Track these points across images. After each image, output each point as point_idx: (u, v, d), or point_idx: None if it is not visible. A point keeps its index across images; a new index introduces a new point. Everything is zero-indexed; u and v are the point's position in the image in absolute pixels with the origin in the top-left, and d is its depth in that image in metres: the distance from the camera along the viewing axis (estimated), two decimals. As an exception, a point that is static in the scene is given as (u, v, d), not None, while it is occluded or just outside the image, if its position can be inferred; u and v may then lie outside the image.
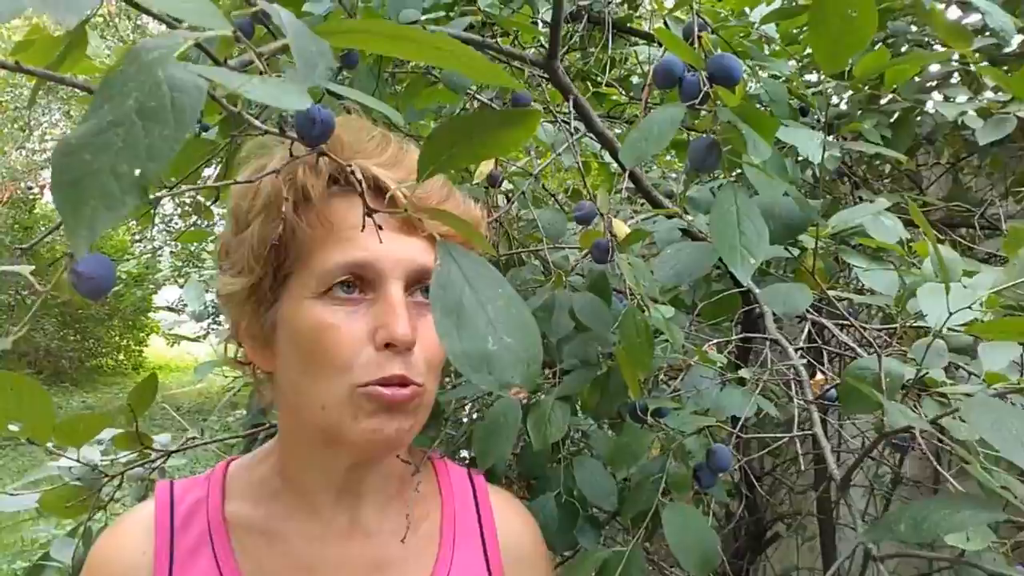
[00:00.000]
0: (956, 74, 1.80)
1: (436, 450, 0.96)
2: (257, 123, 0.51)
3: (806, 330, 1.41)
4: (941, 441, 0.77)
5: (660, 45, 1.69)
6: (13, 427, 0.96)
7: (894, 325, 1.36)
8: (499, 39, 1.52)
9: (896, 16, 1.73)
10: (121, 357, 11.54)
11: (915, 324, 0.99)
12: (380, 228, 0.64)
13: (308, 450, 0.79)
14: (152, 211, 1.74)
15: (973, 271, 0.88)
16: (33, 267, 0.50)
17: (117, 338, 11.25)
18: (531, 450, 1.19)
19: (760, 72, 1.47)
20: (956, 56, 1.75)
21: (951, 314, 0.76)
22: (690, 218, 1.23)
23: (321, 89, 1.01)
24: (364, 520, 0.82)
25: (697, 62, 0.80)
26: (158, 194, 0.67)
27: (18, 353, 9.10)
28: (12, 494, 1.19)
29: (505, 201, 1.49)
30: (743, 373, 1.23)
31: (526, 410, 1.08)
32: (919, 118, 1.83)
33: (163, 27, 0.59)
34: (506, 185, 1.60)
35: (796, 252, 1.24)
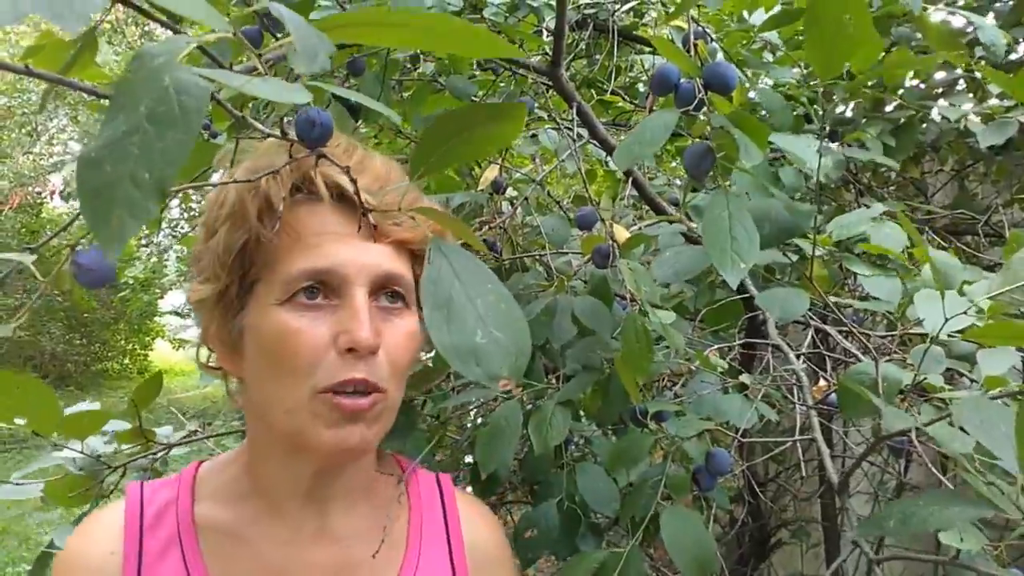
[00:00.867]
0: (961, 81, 1.81)
1: (403, 455, 0.97)
2: (260, 126, 0.52)
3: (809, 337, 1.42)
4: (940, 445, 0.77)
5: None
6: (20, 420, 0.97)
7: (896, 332, 1.37)
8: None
9: (900, 22, 1.74)
10: (126, 361, 11.56)
11: (914, 331, 1.00)
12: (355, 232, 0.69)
13: (275, 455, 0.80)
14: (160, 215, 1.75)
15: (973, 280, 0.88)
16: (35, 257, 0.51)
17: (123, 342, 11.28)
18: (533, 456, 1.19)
19: (759, 81, 1.48)
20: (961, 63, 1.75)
21: (947, 320, 0.77)
22: (693, 224, 1.24)
23: (327, 95, 1.02)
24: (331, 524, 0.83)
25: (692, 70, 0.81)
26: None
27: (24, 357, 9.14)
28: (17, 483, 1.20)
29: (509, 207, 1.49)
30: (744, 379, 1.24)
31: (528, 415, 1.08)
32: (924, 125, 1.83)
33: (171, 33, 0.60)
34: (510, 192, 1.61)
35: (797, 258, 1.24)
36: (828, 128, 1.85)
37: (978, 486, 0.65)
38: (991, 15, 1.78)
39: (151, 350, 12.05)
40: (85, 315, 9.87)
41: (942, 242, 1.85)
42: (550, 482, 1.16)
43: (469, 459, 1.58)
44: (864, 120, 1.80)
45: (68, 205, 9.50)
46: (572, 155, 1.18)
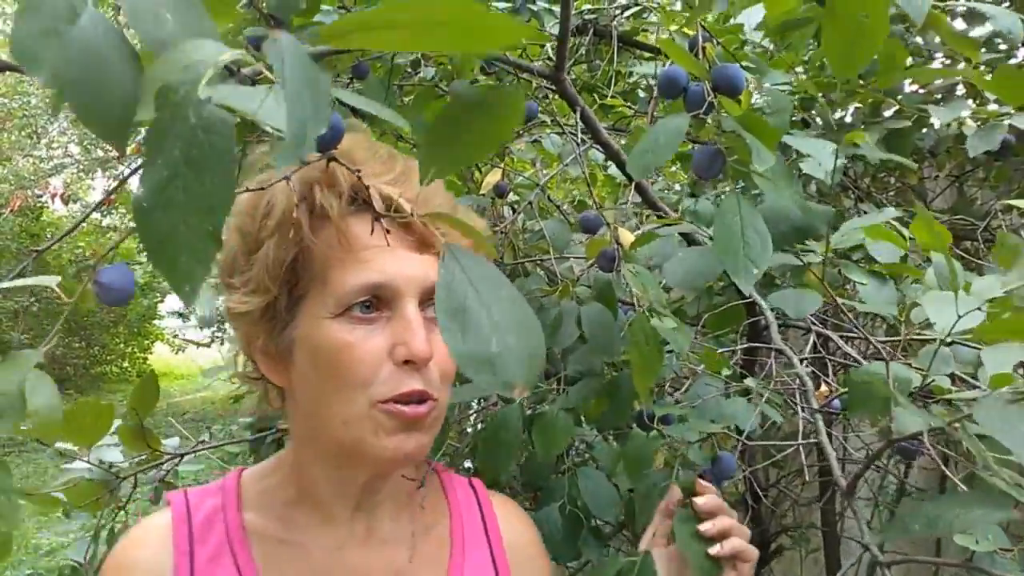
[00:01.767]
0: (960, 87, 1.81)
1: (439, 461, 0.98)
2: (269, 127, 0.52)
3: (811, 342, 1.42)
4: (948, 448, 0.77)
5: (666, 58, 1.70)
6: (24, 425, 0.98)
7: (899, 337, 1.37)
8: (507, 52, 1.54)
9: (898, 28, 1.74)
10: (126, 364, 11.54)
11: (920, 335, 1.00)
12: (390, 245, 0.69)
13: (325, 464, 0.80)
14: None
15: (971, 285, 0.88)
16: (59, 279, 0.52)
17: (122, 345, 11.26)
18: (536, 460, 1.20)
19: (764, 83, 1.48)
20: (960, 69, 1.76)
21: (960, 317, 0.77)
22: (701, 230, 1.24)
23: (332, 99, 1.02)
24: (379, 529, 0.84)
25: (701, 72, 0.81)
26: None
27: (23, 360, 9.10)
28: (53, 492, 1.21)
29: (511, 212, 1.50)
30: (748, 382, 1.24)
31: (530, 420, 1.09)
32: (923, 131, 1.84)
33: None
34: (512, 197, 1.62)
35: (802, 263, 1.25)
36: (827, 129, 1.85)
37: (1001, 484, 0.65)
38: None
39: (150, 353, 12.03)
40: (85, 318, 9.86)
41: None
42: (552, 487, 1.16)
43: (467, 464, 1.58)
44: (863, 126, 1.80)
45: (67, 209, 9.50)
46: (576, 159, 1.18)
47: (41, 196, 9.32)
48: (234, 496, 0.84)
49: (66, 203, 9.28)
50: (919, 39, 1.77)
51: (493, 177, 1.51)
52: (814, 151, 0.93)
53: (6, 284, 0.52)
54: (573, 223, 1.67)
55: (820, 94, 1.76)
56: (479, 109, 0.51)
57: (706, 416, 1.04)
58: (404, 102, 1.61)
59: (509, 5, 1.42)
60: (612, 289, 1.05)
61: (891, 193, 2.08)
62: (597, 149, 1.33)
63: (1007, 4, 1.85)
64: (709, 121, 0.81)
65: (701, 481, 0.91)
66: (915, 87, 1.88)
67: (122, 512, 1.25)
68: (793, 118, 1.80)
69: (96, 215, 9.99)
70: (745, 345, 1.28)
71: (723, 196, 0.76)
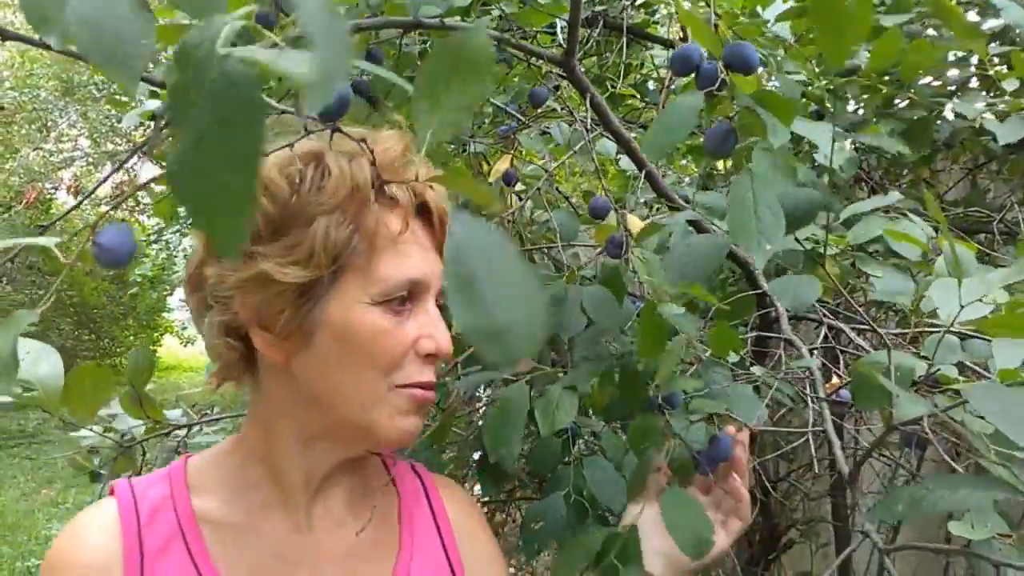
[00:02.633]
0: (975, 79, 1.80)
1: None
2: (275, 104, 0.52)
3: (822, 334, 1.41)
4: (960, 439, 0.76)
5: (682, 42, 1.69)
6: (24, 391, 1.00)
7: (908, 330, 1.36)
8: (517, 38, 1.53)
9: (911, 20, 1.73)
10: (136, 357, 11.59)
11: (928, 327, 0.99)
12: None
13: (300, 443, 0.81)
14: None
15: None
16: (57, 240, 0.51)
17: (132, 337, 11.32)
18: (542, 449, 1.19)
19: (774, 69, 1.47)
20: (975, 61, 1.74)
21: (963, 307, 0.76)
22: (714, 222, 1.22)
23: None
24: (334, 511, 0.86)
25: (717, 47, 0.80)
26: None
27: (34, 353, 9.16)
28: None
29: (519, 200, 1.49)
30: (755, 370, 1.23)
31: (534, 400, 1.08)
32: (938, 123, 1.82)
33: None
34: (521, 187, 1.61)
35: (806, 253, 1.24)
36: (840, 127, 1.84)
37: (995, 469, 0.65)
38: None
39: (160, 346, 12.09)
40: (95, 311, 9.91)
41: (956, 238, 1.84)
42: (558, 475, 1.16)
43: (476, 456, 1.58)
44: (876, 121, 1.79)
45: (76, 200, 9.54)
46: (585, 147, 1.17)
47: (53, 189, 9.37)
48: (183, 483, 0.83)
49: (76, 196, 9.33)
50: (933, 32, 1.75)
51: (502, 165, 1.51)
52: (813, 135, 0.92)
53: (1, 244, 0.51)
54: (582, 214, 1.66)
55: (832, 85, 1.75)
56: (449, 62, 0.50)
57: (712, 403, 1.03)
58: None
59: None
60: (619, 274, 1.04)
61: (904, 185, 2.06)
62: (607, 137, 1.32)
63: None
64: (724, 97, 0.80)
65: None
66: (928, 79, 1.87)
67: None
68: (809, 109, 1.79)
69: (107, 208, 10.04)
70: (754, 334, 1.27)
71: (735, 176, 0.74)
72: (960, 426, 0.69)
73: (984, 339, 0.95)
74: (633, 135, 1.91)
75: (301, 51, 0.38)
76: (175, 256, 9.73)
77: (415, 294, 0.78)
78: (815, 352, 1.23)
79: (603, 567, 0.93)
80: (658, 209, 1.58)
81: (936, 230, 1.79)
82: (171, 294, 10.52)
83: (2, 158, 9.20)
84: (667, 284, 0.90)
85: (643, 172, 1.24)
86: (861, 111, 1.89)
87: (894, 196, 1.09)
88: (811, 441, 1.07)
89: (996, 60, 1.64)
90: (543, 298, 0.47)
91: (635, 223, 1.01)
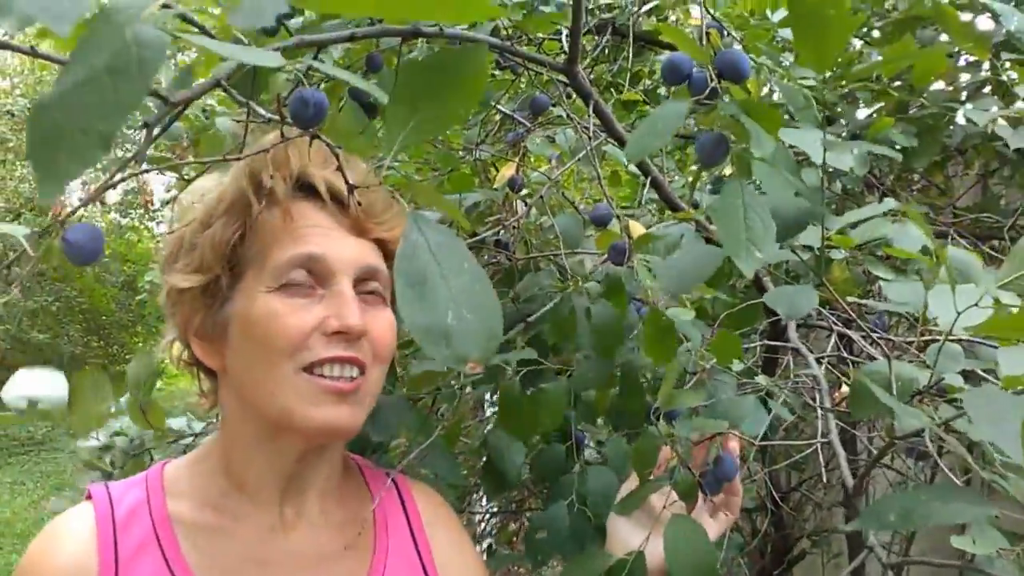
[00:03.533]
0: (988, 85, 1.78)
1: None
2: (261, 110, 0.52)
3: (832, 341, 1.39)
4: (971, 450, 0.75)
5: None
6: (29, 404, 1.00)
7: (916, 338, 1.34)
8: (521, 45, 1.52)
9: (924, 25, 1.71)
10: (146, 364, 11.63)
11: (934, 333, 0.97)
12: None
13: (255, 444, 0.82)
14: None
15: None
16: (27, 231, 0.51)
17: (141, 344, 11.36)
18: (546, 456, 1.19)
19: (779, 76, 1.46)
20: (987, 66, 1.72)
21: (959, 314, 0.74)
22: (713, 227, 1.21)
23: (302, 69, 1.02)
24: (308, 514, 0.86)
25: (702, 57, 0.79)
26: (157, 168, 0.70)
27: (42, 360, 9.23)
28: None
29: (523, 206, 1.48)
30: (761, 379, 1.22)
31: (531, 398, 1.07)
32: (951, 128, 1.80)
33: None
34: (527, 193, 1.60)
35: (816, 258, 1.22)
36: (850, 131, 1.82)
37: (992, 478, 0.63)
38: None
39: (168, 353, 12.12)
40: (104, 317, 9.97)
41: (967, 245, 1.82)
42: (562, 484, 1.15)
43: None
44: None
45: (86, 209, 9.61)
46: (588, 155, 1.16)
47: (78, 196, 9.44)
48: (159, 486, 0.85)
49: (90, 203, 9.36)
50: (944, 37, 1.73)
51: (508, 171, 1.50)
52: (799, 141, 0.91)
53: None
54: (587, 219, 1.65)
55: (845, 89, 1.73)
56: (439, 73, 0.49)
57: (717, 415, 1.02)
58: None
59: (522, 1, 1.40)
60: (622, 283, 1.03)
61: (915, 191, 2.04)
62: (612, 143, 1.31)
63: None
64: (713, 108, 0.79)
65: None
66: (940, 85, 1.85)
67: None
68: (816, 111, 1.77)
69: (116, 216, 10.11)
70: (762, 343, 1.26)
71: (725, 181, 0.74)
72: (953, 437, 0.67)
73: (991, 345, 0.94)
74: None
75: (247, 47, 0.38)
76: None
77: (321, 276, 0.79)
78: (823, 361, 1.21)
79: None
80: (668, 214, 1.57)
81: (944, 235, 1.77)
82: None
83: (12, 165, 9.28)
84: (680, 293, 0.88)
85: (648, 178, 1.23)
86: (874, 115, 1.87)
87: (889, 203, 1.08)
88: (820, 453, 1.05)
89: (1008, 65, 1.63)
90: (495, 301, 0.47)
91: (638, 230, 1.00)
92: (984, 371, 0.93)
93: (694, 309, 1.42)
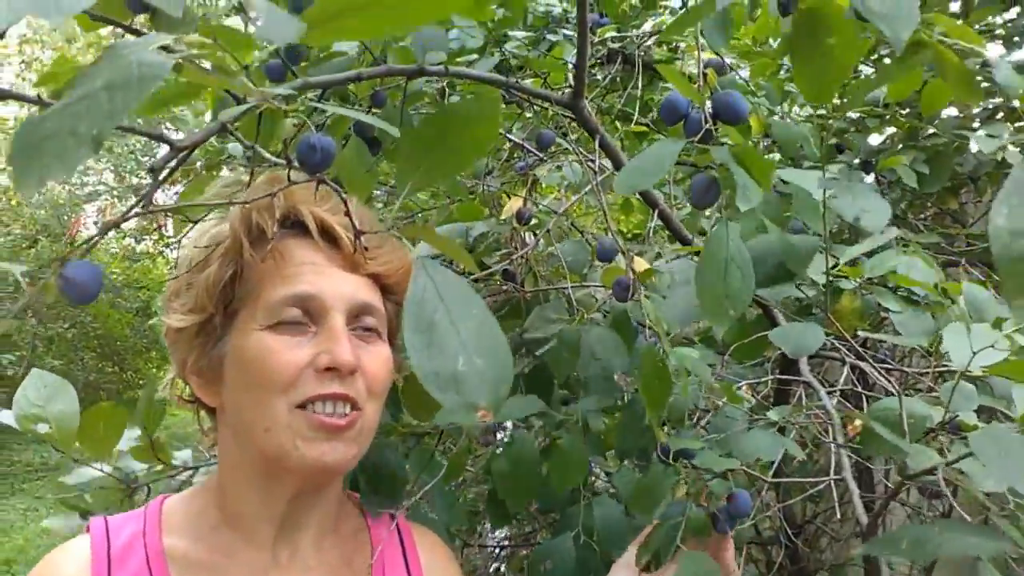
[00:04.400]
0: (1000, 112, 1.77)
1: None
2: (267, 155, 0.52)
3: (845, 373, 1.37)
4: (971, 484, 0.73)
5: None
6: (41, 428, 1.00)
7: (928, 369, 1.32)
8: (530, 80, 1.53)
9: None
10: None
11: (948, 367, 0.96)
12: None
13: (250, 481, 0.82)
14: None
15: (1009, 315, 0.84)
16: (25, 268, 0.51)
17: (155, 370, 11.38)
18: (553, 488, 1.17)
19: (778, 115, 1.46)
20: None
21: (974, 354, 0.73)
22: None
23: (349, 127, 1.02)
24: (303, 555, 0.85)
25: (697, 98, 0.79)
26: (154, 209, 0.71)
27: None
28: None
29: (532, 238, 1.48)
30: (772, 414, 1.20)
31: (545, 451, 1.06)
32: (963, 155, 1.79)
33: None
34: (535, 223, 1.59)
35: (827, 292, 1.21)
36: (861, 159, 1.81)
37: (1001, 522, 0.62)
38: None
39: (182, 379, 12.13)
40: (118, 343, 10.00)
41: (979, 275, 1.81)
42: (568, 515, 1.14)
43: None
44: (900, 147, 1.76)
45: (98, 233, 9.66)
46: (594, 189, 1.16)
47: (92, 218, 9.53)
48: (156, 521, 0.85)
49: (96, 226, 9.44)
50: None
51: (515, 203, 1.50)
52: (800, 181, 0.90)
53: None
54: (593, 245, 1.64)
55: (848, 118, 1.73)
56: (453, 120, 0.49)
57: (728, 450, 1.01)
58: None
59: (529, 35, 1.41)
60: (628, 317, 1.03)
61: (928, 218, 2.03)
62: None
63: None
64: (711, 148, 0.79)
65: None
66: (952, 110, 1.84)
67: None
68: (829, 140, 1.77)
69: (131, 241, 10.19)
70: (774, 377, 1.24)
71: (713, 227, 0.73)
72: (957, 475, 0.66)
73: (1010, 379, 0.92)
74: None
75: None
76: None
77: (314, 314, 0.79)
78: (835, 395, 1.20)
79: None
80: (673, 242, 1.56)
81: (955, 264, 1.75)
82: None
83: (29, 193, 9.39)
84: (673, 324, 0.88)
85: (655, 211, 1.22)
86: (886, 142, 1.86)
87: (892, 231, 1.07)
88: (834, 488, 1.04)
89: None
90: (506, 348, 0.46)
91: (642, 265, 0.99)
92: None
93: (701, 339, 1.41)
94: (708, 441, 1.02)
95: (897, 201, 1.96)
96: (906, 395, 1.03)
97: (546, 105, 1.34)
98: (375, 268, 0.83)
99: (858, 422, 1.34)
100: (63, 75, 0.78)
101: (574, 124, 1.57)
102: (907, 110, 1.78)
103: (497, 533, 2.40)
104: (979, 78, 1.59)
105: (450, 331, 0.45)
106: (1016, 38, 1.85)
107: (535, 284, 1.42)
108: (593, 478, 1.24)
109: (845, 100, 1.63)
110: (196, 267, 0.81)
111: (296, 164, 0.56)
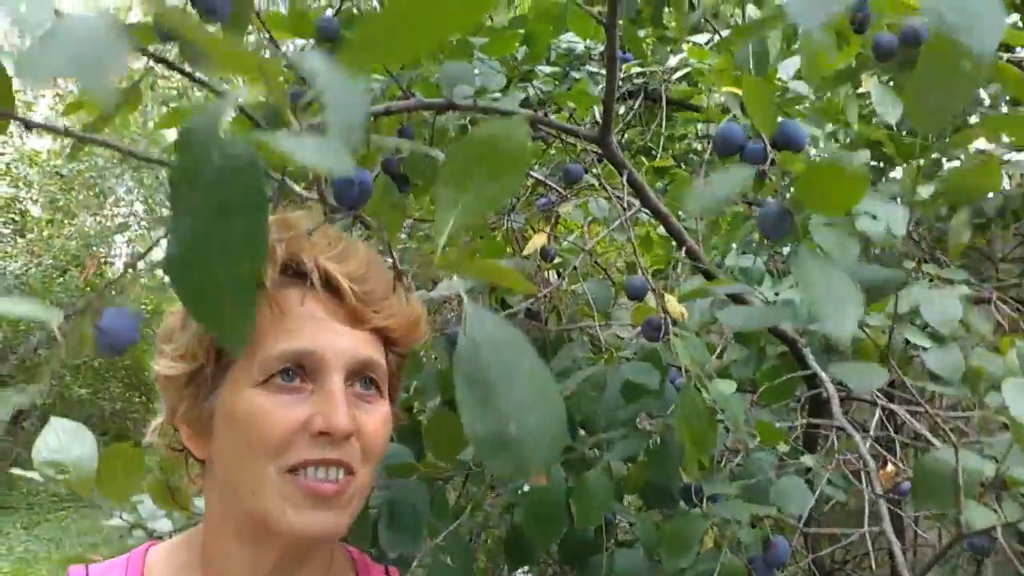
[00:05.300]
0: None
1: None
2: (298, 189, 0.51)
3: (876, 416, 1.33)
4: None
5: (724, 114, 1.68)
6: (60, 475, 0.99)
7: (969, 413, 1.28)
8: (555, 115, 1.53)
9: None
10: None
11: (994, 414, 0.93)
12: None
13: (235, 541, 0.77)
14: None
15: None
16: (60, 316, 0.49)
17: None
18: (575, 536, 1.14)
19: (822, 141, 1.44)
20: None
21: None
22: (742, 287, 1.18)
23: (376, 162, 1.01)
24: None
25: (769, 128, 0.76)
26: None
27: (84, 415, 9.30)
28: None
29: (557, 276, 1.47)
30: (807, 460, 1.17)
31: (569, 490, 1.04)
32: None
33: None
34: (558, 260, 1.58)
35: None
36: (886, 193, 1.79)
37: None
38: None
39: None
40: (145, 372, 10.05)
41: (1009, 310, 1.77)
42: (591, 565, 1.11)
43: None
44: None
45: (124, 268, 9.75)
46: (622, 225, 1.15)
47: (115, 253, 9.62)
48: (138, 571, 0.82)
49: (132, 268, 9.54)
50: (983, 92, 1.71)
51: (539, 239, 1.48)
52: (886, 215, 0.87)
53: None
54: (618, 281, 1.63)
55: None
56: (484, 149, 0.47)
57: (759, 496, 0.97)
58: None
59: (555, 70, 1.41)
60: (658, 356, 1.00)
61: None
62: (645, 213, 1.29)
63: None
64: (771, 178, 0.76)
65: None
66: (981, 142, 1.81)
67: None
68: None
69: (161, 272, 10.27)
70: (805, 421, 1.21)
71: (795, 251, 0.69)
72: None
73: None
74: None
75: (314, 138, 0.36)
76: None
77: (311, 371, 0.74)
78: (867, 438, 1.16)
79: None
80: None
81: (986, 301, 1.72)
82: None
83: (60, 224, 9.48)
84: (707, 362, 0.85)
85: (683, 248, 1.21)
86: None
87: (960, 276, 1.04)
88: (868, 539, 1.00)
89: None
90: (559, 403, 0.44)
91: (674, 305, 0.97)
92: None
93: (720, 375, 1.38)
94: (739, 486, 0.99)
95: (923, 237, 1.93)
96: (944, 443, 1.00)
97: (573, 141, 1.33)
98: (380, 322, 0.78)
99: (890, 467, 1.31)
100: (88, 106, 0.77)
101: (597, 161, 1.56)
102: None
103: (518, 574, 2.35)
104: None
105: (503, 390, 0.42)
106: None
107: (559, 322, 1.40)
108: (616, 528, 1.21)
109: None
110: (187, 312, 0.76)
111: (330, 200, 0.54)
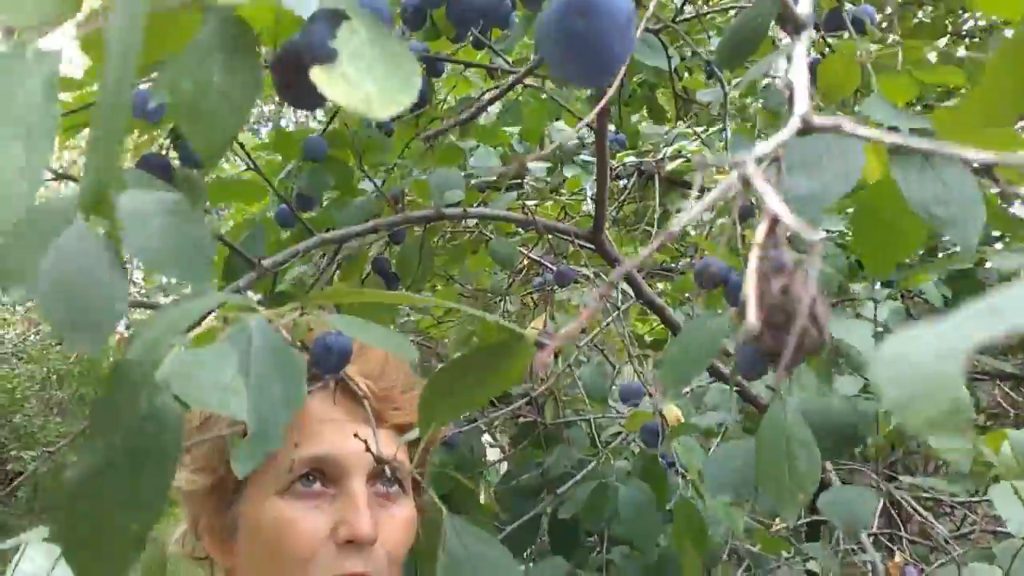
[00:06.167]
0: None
1: None
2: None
3: (881, 503, 1.31)
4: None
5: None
6: None
7: (972, 499, 1.26)
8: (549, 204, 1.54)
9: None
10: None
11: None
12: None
13: None
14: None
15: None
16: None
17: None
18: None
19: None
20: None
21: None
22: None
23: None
24: None
25: (739, 263, 0.76)
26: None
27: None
28: None
29: (554, 360, 1.45)
30: (810, 550, 1.15)
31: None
32: (985, 266, 1.76)
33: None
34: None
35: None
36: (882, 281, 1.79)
37: None
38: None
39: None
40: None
41: (1008, 390, 1.76)
42: None
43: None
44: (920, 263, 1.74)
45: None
46: (617, 319, 1.14)
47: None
48: None
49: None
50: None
51: (538, 324, 1.48)
52: (850, 337, 0.85)
53: None
54: (615, 365, 1.61)
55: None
56: (483, 364, 0.47)
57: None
58: (449, 243, 1.62)
59: (548, 165, 1.43)
60: (657, 464, 0.98)
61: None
62: (642, 305, 1.29)
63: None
64: None
65: None
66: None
67: None
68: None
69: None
70: (807, 520, 1.19)
71: (770, 405, 0.68)
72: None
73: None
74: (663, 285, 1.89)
75: (238, 394, 0.36)
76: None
77: (332, 475, 0.74)
78: (873, 537, 1.14)
79: None
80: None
81: (981, 379, 1.70)
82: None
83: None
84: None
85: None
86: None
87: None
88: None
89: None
90: None
91: (672, 412, 0.96)
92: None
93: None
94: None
95: (920, 316, 1.93)
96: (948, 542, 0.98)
97: (566, 238, 1.34)
98: (401, 420, 0.78)
99: (898, 558, 1.28)
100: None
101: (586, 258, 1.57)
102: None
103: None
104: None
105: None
106: None
107: (556, 409, 1.39)
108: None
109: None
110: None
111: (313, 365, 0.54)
